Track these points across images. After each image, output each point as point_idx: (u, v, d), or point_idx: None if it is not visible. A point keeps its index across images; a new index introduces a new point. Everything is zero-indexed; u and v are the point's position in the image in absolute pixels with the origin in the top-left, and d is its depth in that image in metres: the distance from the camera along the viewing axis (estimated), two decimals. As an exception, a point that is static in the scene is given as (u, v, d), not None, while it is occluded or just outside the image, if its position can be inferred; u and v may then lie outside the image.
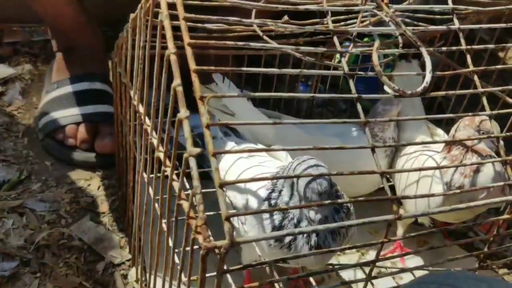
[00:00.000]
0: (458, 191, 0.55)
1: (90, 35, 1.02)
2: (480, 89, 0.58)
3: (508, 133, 0.55)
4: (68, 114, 0.96)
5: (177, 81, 0.45)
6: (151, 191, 0.60)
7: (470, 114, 0.58)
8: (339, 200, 0.51)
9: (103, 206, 0.88)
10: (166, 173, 0.52)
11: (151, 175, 0.59)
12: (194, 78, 0.46)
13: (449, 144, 0.72)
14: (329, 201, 0.45)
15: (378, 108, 0.81)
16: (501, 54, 1.28)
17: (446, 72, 0.61)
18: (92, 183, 0.92)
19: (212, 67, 0.49)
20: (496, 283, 0.44)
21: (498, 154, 0.55)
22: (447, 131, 0.82)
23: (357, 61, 1.00)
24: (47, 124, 0.96)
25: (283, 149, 0.47)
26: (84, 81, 0.99)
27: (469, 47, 0.60)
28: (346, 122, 0.50)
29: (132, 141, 0.68)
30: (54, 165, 0.94)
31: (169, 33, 0.48)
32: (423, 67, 0.98)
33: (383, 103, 0.81)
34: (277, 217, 0.55)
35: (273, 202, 0.56)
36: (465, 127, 0.73)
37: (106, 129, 0.94)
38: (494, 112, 0.58)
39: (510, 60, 1.32)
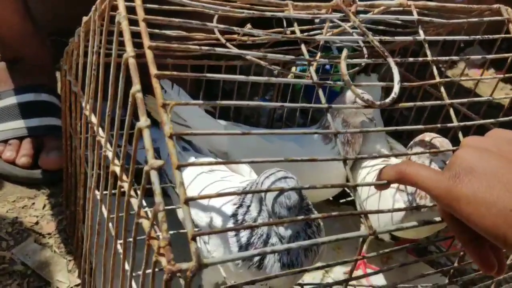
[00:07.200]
0: (425, 208, 0.54)
1: (37, 45, 0.97)
2: (447, 101, 0.57)
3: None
4: (11, 127, 0.90)
5: (136, 87, 0.41)
6: (104, 209, 0.55)
7: (439, 125, 0.57)
8: (312, 216, 0.48)
9: (49, 227, 0.82)
10: (122, 189, 0.48)
11: (104, 192, 0.54)
12: (155, 84, 0.42)
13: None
14: (302, 217, 0.42)
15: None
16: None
17: (413, 84, 0.60)
18: (36, 202, 0.85)
19: (175, 72, 0.45)
20: None
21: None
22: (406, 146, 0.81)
23: (318, 71, 0.98)
24: (-13, 139, 0.89)
25: (251, 161, 0.43)
26: (29, 93, 0.94)
27: (434, 58, 0.59)
28: (317, 133, 0.47)
29: (83, 155, 0.63)
30: (-6, 183, 0.87)
31: (127, 35, 0.44)
32: (382, 80, 0.99)
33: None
34: (244, 234, 0.51)
35: (240, 218, 0.52)
36: (416, 144, 0.72)
37: (52, 143, 0.89)
38: (462, 123, 0.57)
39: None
